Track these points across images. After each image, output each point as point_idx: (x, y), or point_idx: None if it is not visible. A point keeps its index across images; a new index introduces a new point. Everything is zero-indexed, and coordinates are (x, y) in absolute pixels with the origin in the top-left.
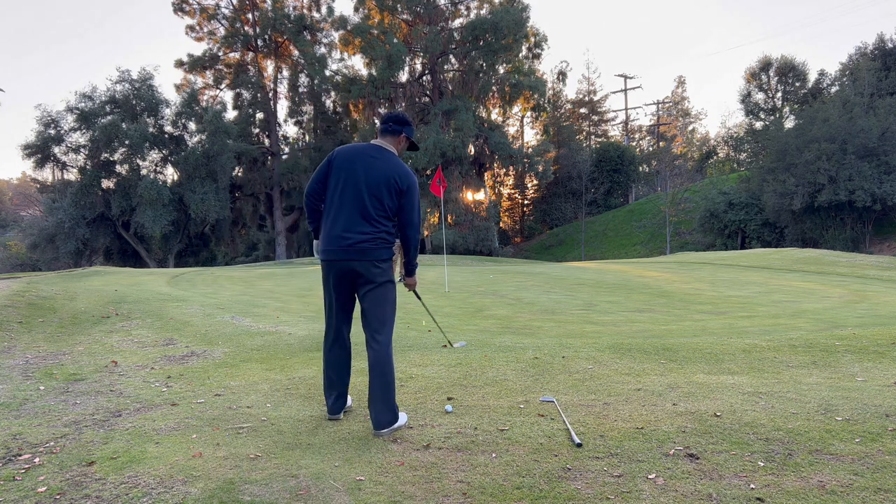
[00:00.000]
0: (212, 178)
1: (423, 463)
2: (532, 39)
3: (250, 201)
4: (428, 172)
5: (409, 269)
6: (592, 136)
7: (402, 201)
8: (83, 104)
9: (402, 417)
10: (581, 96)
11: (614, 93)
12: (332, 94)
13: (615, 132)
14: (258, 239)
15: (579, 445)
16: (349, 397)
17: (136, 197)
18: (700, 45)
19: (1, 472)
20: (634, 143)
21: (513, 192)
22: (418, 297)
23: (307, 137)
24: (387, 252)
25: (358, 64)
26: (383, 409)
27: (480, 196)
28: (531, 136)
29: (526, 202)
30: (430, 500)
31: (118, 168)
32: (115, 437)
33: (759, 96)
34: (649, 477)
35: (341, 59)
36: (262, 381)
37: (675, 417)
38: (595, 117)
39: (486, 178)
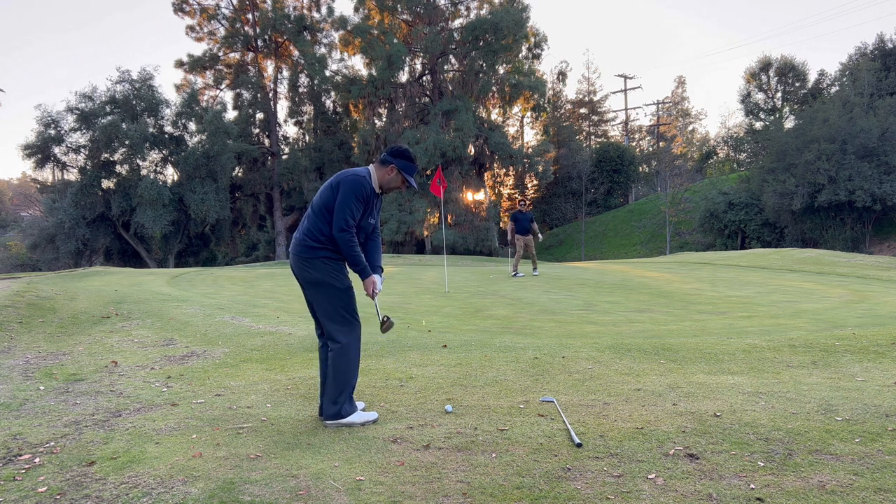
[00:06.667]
0: (212, 178)
1: (423, 463)
2: (532, 39)
3: (250, 201)
4: (428, 172)
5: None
6: (592, 137)
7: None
8: (83, 104)
9: (358, 416)
10: (581, 96)
11: (614, 93)
12: (332, 94)
13: (615, 132)
14: (258, 239)
15: (579, 445)
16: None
17: (137, 197)
18: (700, 45)
19: (1, 472)
20: (634, 144)
21: (513, 192)
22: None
23: (307, 137)
24: (313, 252)
25: (358, 64)
26: (326, 401)
27: (480, 196)
28: (531, 137)
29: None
30: (430, 500)
31: (118, 168)
32: (115, 437)
33: (759, 96)
34: (649, 477)
35: (341, 60)
36: (262, 381)
37: (675, 417)
38: (595, 117)
39: (486, 178)
